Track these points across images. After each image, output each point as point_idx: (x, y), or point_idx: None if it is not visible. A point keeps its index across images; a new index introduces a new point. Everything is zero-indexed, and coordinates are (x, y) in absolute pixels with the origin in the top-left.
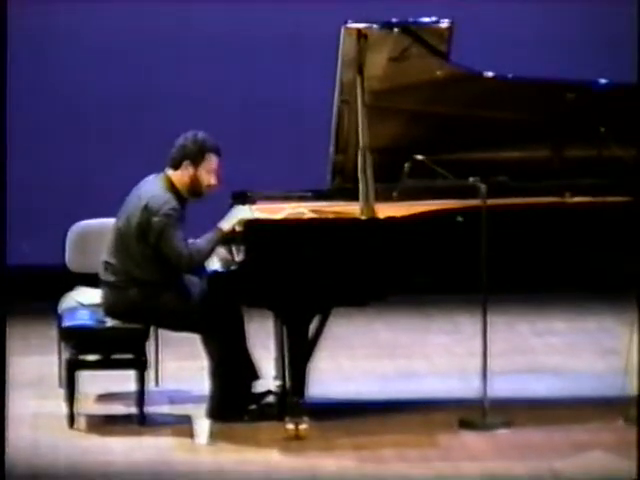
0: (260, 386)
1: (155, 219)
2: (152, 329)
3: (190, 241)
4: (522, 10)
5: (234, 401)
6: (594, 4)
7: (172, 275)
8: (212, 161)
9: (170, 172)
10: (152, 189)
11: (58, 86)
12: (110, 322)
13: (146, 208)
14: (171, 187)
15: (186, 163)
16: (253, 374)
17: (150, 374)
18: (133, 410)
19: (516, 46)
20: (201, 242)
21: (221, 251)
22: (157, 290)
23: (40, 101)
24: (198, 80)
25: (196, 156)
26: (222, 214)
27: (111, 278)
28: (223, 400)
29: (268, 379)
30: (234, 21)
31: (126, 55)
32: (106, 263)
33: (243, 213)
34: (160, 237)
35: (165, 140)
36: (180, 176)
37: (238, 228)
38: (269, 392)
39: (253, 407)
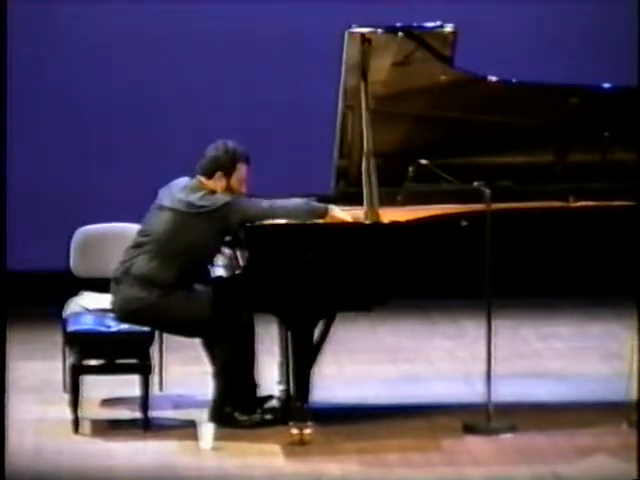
0: (263, 390)
1: (217, 208)
2: (157, 334)
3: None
4: (525, 14)
5: (235, 407)
6: (596, 7)
7: (189, 278)
8: (243, 170)
9: (203, 179)
10: (196, 194)
11: (59, 89)
12: (115, 327)
13: (197, 208)
14: (211, 191)
15: (219, 175)
16: (253, 383)
17: (154, 379)
18: (137, 415)
19: (520, 50)
20: (297, 202)
21: (226, 255)
22: (172, 291)
23: (41, 105)
24: (201, 82)
25: (228, 167)
26: None
27: (137, 272)
28: (226, 404)
29: (272, 384)
30: (236, 23)
31: (127, 56)
32: (129, 260)
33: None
34: (231, 214)
35: (167, 142)
36: (214, 185)
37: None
38: (271, 396)
39: (256, 412)
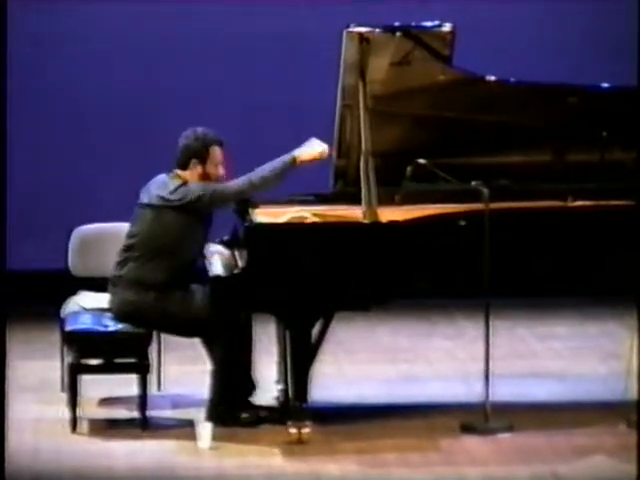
0: (260, 390)
1: (191, 200)
2: (155, 333)
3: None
4: (524, 14)
5: (232, 405)
6: (596, 7)
7: (181, 276)
8: (217, 153)
9: (179, 171)
10: (168, 188)
11: (59, 89)
12: (113, 326)
13: (170, 202)
14: (185, 183)
15: (194, 162)
16: (250, 384)
17: (152, 378)
18: (136, 414)
19: (518, 50)
20: (265, 167)
21: (225, 255)
22: (167, 291)
23: (41, 105)
24: (200, 82)
25: (201, 153)
26: (225, 218)
27: (129, 275)
28: (221, 404)
29: (270, 383)
30: (236, 23)
31: (127, 56)
32: (121, 263)
33: (321, 148)
34: (210, 202)
35: (167, 143)
36: (190, 175)
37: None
38: (263, 408)
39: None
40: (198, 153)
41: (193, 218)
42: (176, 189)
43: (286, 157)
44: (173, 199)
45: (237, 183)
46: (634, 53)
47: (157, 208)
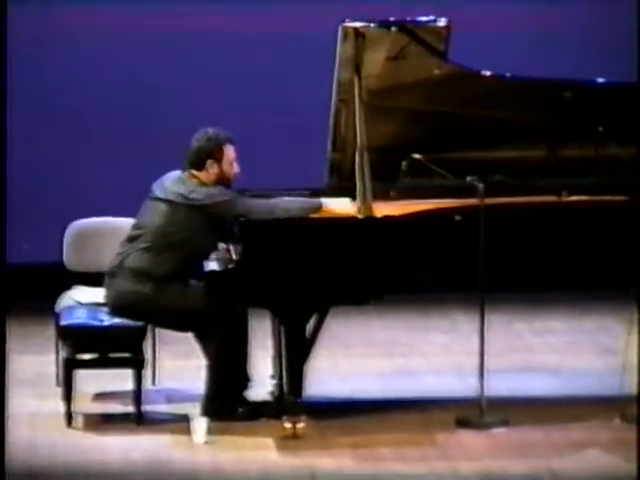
0: (255, 384)
1: (210, 204)
2: (149, 328)
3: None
4: (520, 9)
5: (227, 400)
6: (596, 7)
7: (184, 272)
8: (230, 151)
9: (194, 172)
10: (188, 186)
11: (57, 86)
12: (108, 321)
13: (190, 200)
14: (203, 184)
15: (210, 162)
16: (245, 378)
17: (147, 373)
18: (130, 409)
19: (514, 45)
20: (292, 202)
21: (220, 249)
22: (166, 284)
23: (39, 100)
24: (197, 80)
25: (215, 152)
26: None
27: (132, 264)
28: (216, 398)
29: (265, 378)
30: (236, 22)
31: (127, 56)
32: (123, 253)
33: (349, 207)
34: (227, 213)
35: (164, 139)
36: (206, 175)
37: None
38: (258, 402)
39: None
40: (213, 153)
41: (207, 219)
42: (196, 189)
43: (314, 202)
44: (194, 197)
45: (260, 207)
46: (634, 52)
47: (173, 204)
